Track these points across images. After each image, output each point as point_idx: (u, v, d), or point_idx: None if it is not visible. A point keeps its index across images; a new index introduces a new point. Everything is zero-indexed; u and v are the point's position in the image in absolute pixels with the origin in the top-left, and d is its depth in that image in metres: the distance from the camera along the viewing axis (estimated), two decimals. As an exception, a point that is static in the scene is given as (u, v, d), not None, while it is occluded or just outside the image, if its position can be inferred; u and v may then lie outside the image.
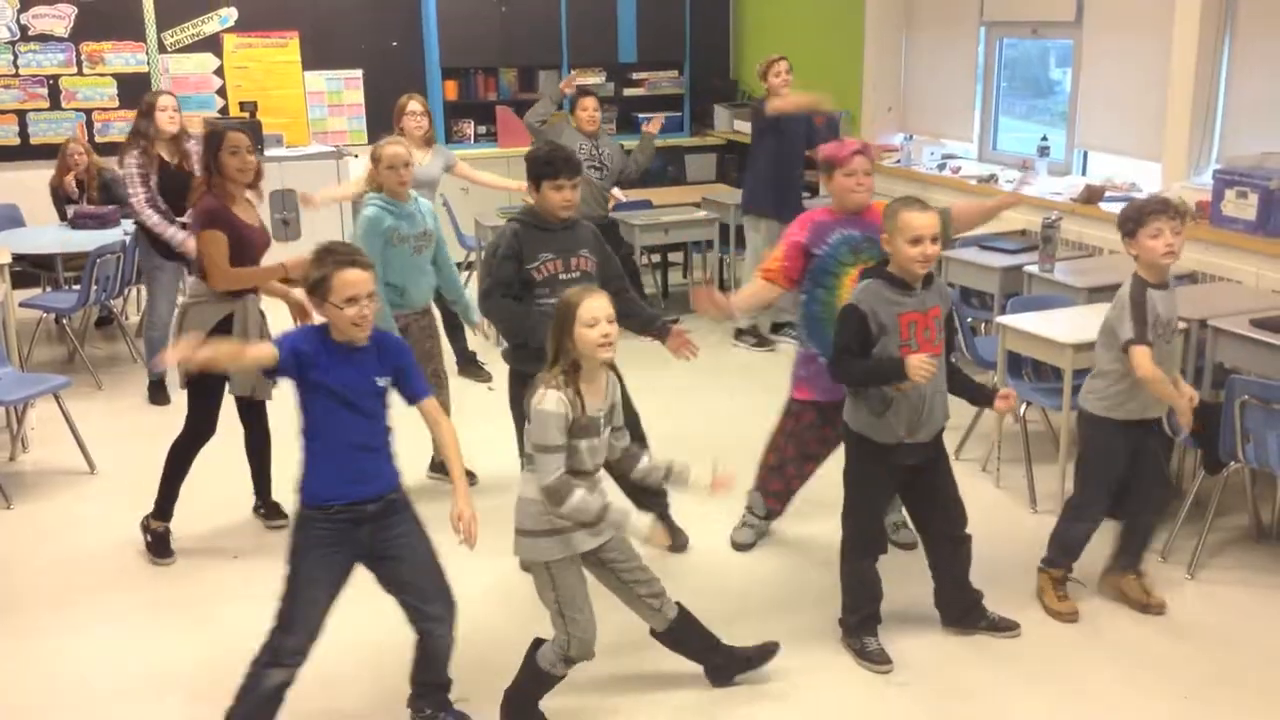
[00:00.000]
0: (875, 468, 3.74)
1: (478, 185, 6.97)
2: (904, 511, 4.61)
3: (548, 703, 3.46)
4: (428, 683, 3.40)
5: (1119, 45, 6.66)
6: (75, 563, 4.62)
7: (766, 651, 3.69)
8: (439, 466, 5.25)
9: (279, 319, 4.59)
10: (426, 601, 3.27)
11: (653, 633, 3.56)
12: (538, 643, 3.42)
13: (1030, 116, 7.81)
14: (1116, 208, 6.10)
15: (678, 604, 3.53)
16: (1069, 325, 4.83)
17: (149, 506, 4.78)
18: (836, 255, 4.19)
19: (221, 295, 4.51)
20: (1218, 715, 3.55)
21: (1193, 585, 4.28)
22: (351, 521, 3.14)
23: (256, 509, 4.97)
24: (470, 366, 6.70)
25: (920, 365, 3.47)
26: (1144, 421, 3.96)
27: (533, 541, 3.26)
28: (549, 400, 3.14)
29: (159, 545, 4.65)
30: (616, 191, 7.19)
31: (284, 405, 4.87)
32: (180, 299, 4.52)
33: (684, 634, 3.57)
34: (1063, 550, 4.12)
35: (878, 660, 3.79)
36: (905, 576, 4.09)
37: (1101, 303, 4.83)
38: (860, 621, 3.85)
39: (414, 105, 6.42)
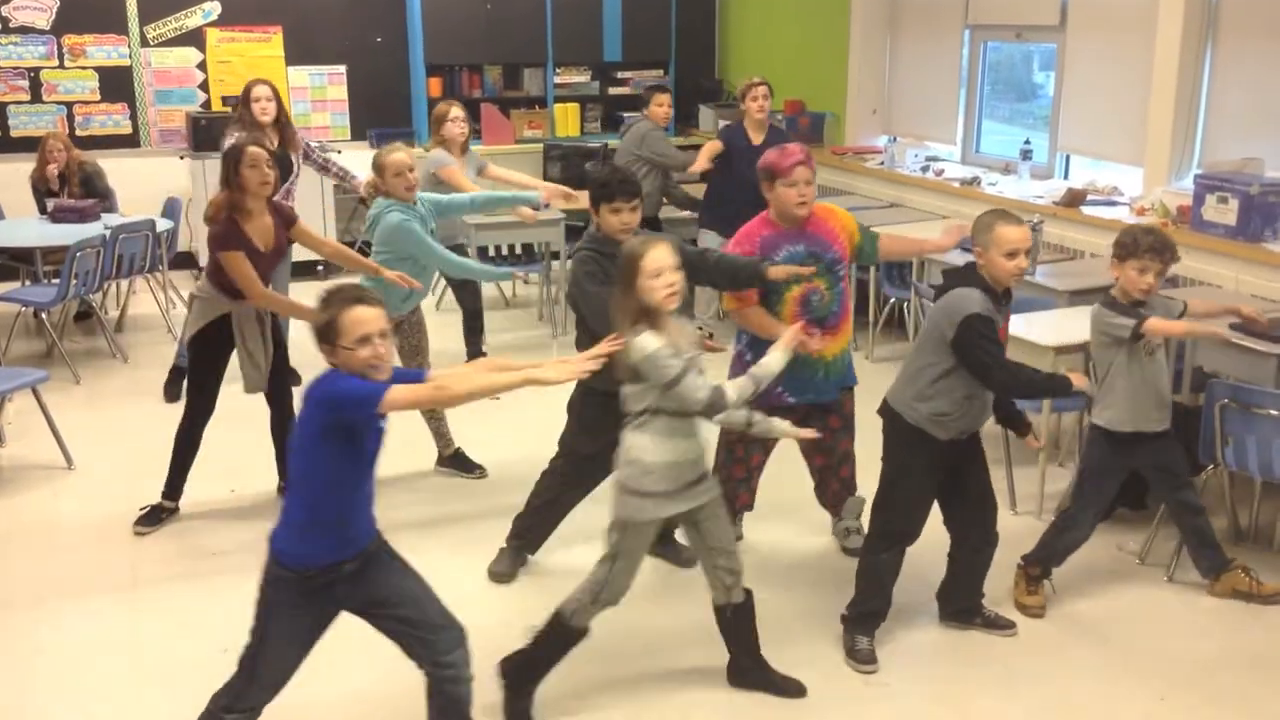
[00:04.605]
0: (923, 461, 3.74)
1: (508, 184, 6.66)
2: (860, 519, 4.58)
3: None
4: None
5: (1102, 50, 6.69)
6: (53, 558, 4.59)
7: (795, 687, 3.65)
8: (447, 461, 5.31)
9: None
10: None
11: (713, 603, 3.59)
12: (558, 613, 3.45)
13: (1013, 120, 7.84)
14: (1098, 211, 6.18)
15: (747, 591, 3.56)
16: (1050, 328, 4.85)
17: (127, 501, 4.90)
18: None
19: (219, 295, 4.66)
20: (1194, 716, 3.57)
21: (1171, 588, 4.31)
22: (327, 584, 2.96)
23: (282, 489, 5.02)
24: None
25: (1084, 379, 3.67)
26: (1145, 436, 4.02)
27: (629, 499, 3.33)
28: (646, 340, 3.18)
29: (149, 516, 4.80)
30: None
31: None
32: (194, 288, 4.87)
33: (737, 622, 3.60)
34: (1048, 556, 4.15)
35: (863, 660, 3.80)
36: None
37: (1082, 305, 4.85)
38: (860, 617, 3.86)
39: (456, 110, 6.43)
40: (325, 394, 2.83)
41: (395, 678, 3.35)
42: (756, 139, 6.67)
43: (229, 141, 6.09)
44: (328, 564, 2.92)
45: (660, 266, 3.18)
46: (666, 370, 3.17)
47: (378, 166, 4.91)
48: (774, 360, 3.41)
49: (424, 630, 3.03)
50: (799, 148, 4.16)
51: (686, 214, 7.94)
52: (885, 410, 3.83)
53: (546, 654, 3.48)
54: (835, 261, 4.16)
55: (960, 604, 4.03)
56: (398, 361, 3.55)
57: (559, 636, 3.46)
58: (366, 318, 2.83)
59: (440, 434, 5.27)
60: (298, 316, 4.69)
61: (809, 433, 3.55)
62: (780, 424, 3.47)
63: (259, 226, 4.63)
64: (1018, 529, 4.47)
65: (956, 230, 4.41)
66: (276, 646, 2.96)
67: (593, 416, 4.11)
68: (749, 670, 3.67)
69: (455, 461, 5.29)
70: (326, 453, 2.86)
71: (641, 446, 3.31)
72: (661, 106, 7.10)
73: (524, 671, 3.49)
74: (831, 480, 4.54)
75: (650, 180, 7.07)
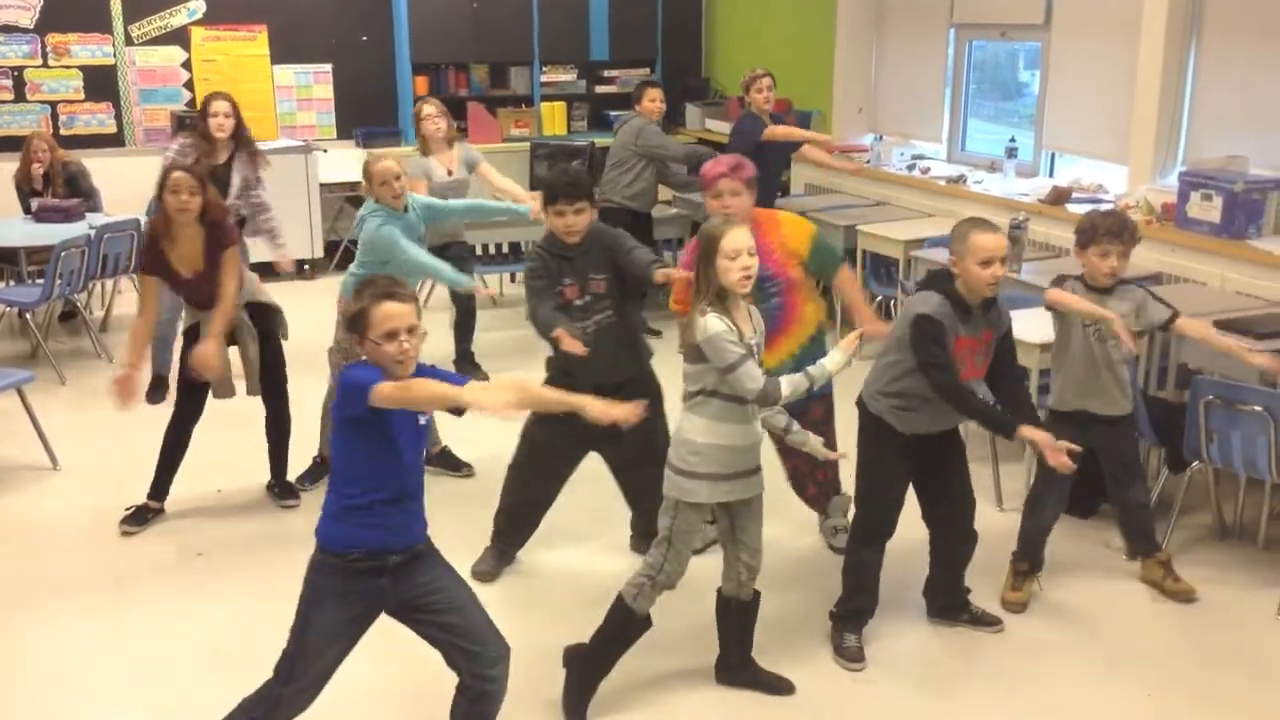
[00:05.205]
0: (890, 453, 3.76)
1: (498, 190, 6.54)
2: (846, 517, 4.60)
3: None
4: None
5: (1087, 48, 6.71)
6: (42, 559, 4.57)
7: (782, 685, 3.67)
8: (434, 459, 5.26)
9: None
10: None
11: (719, 593, 3.62)
12: (620, 597, 3.47)
13: (999, 118, 7.86)
14: (1083, 209, 6.18)
15: (756, 592, 3.59)
16: (1036, 325, 4.85)
17: (113, 501, 4.89)
18: None
19: (188, 307, 4.75)
20: (1180, 713, 3.60)
21: (1156, 583, 4.34)
22: (372, 572, 2.91)
23: (270, 487, 5.04)
24: (468, 366, 6.66)
25: (1049, 447, 3.51)
26: (1094, 417, 4.05)
27: (678, 480, 3.36)
28: (711, 322, 3.22)
29: (135, 515, 4.79)
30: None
31: (304, 387, 4.98)
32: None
33: (738, 618, 3.62)
34: (1028, 547, 4.17)
35: (851, 658, 3.81)
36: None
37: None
38: (847, 614, 3.87)
39: (428, 109, 6.38)
40: (339, 384, 2.89)
41: (392, 680, 3.35)
42: None
43: (172, 147, 6.12)
44: (371, 549, 2.88)
45: (738, 248, 3.22)
46: (726, 354, 3.20)
47: (365, 175, 4.94)
48: (832, 360, 3.39)
49: (468, 640, 2.98)
50: (730, 158, 4.12)
51: (675, 212, 7.98)
52: (859, 402, 3.87)
53: (611, 644, 3.49)
54: (764, 279, 4.05)
55: (945, 600, 4.05)
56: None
57: (622, 624, 3.46)
58: (396, 313, 2.82)
59: None
60: (124, 360, 4.59)
61: (839, 454, 3.68)
62: (815, 440, 3.56)
63: (185, 251, 4.56)
64: (1005, 526, 4.48)
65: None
66: (317, 643, 2.92)
67: None
68: (737, 668, 3.68)
69: (442, 459, 5.28)
70: (355, 442, 2.86)
71: (693, 427, 3.34)
72: (654, 101, 7.10)
73: (588, 663, 3.50)
74: (807, 484, 4.56)
75: (646, 176, 7.07)
